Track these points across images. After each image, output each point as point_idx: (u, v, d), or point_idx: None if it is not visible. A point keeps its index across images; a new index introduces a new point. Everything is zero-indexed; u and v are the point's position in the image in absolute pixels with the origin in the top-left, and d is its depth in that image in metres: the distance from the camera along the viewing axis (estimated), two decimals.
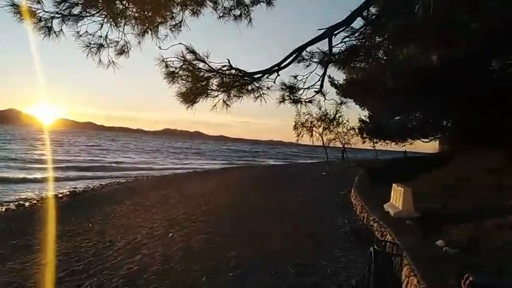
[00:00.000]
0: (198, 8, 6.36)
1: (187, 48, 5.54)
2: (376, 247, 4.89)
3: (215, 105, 6.09)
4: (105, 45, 5.56)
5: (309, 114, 29.14)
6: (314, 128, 30.78)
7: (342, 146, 34.60)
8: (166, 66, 5.65)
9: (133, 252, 7.50)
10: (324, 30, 5.50)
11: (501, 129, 13.83)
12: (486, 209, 9.18)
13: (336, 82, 19.59)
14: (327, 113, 25.56)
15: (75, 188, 19.15)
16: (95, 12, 5.10)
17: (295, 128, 31.01)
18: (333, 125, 30.80)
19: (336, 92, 19.58)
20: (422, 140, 23.02)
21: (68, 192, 17.06)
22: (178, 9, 6.11)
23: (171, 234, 8.91)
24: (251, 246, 8.14)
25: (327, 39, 5.60)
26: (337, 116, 28.62)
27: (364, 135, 26.33)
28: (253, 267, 6.77)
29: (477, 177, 12.08)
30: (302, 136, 31.31)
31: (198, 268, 6.65)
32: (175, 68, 5.65)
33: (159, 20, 5.69)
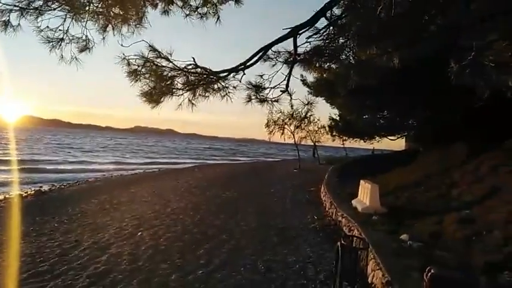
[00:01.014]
0: (168, 7, 6.30)
1: (150, 46, 5.43)
2: (343, 242, 5.00)
3: (180, 104, 6.02)
4: (66, 40, 5.37)
5: (280, 112, 29.38)
6: (286, 126, 31.03)
7: (313, 143, 35.08)
8: (128, 64, 5.52)
9: (101, 252, 7.37)
10: (289, 30, 5.56)
11: (462, 128, 14.48)
12: (447, 204, 9.61)
13: (307, 81, 19.94)
14: (298, 111, 25.84)
15: (40, 187, 18.54)
16: (56, 6, 4.93)
17: (268, 125, 31.13)
18: (304, 123, 31.24)
19: (308, 91, 19.92)
20: (389, 138, 23.68)
21: (32, 192, 16.50)
22: (147, 8, 6.02)
23: (139, 233, 8.80)
24: (221, 243, 8.18)
25: (292, 39, 5.66)
26: (308, 114, 28.97)
27: (334, 133, 26.79)
28: (223, 264, 6.82)
29: (440, 174, 12.59)
30: (274, 134, 31.48)
31: (167, 266, 6.63)
32: (138, 66, 5.54)
33: (124, 16, 5.56)
